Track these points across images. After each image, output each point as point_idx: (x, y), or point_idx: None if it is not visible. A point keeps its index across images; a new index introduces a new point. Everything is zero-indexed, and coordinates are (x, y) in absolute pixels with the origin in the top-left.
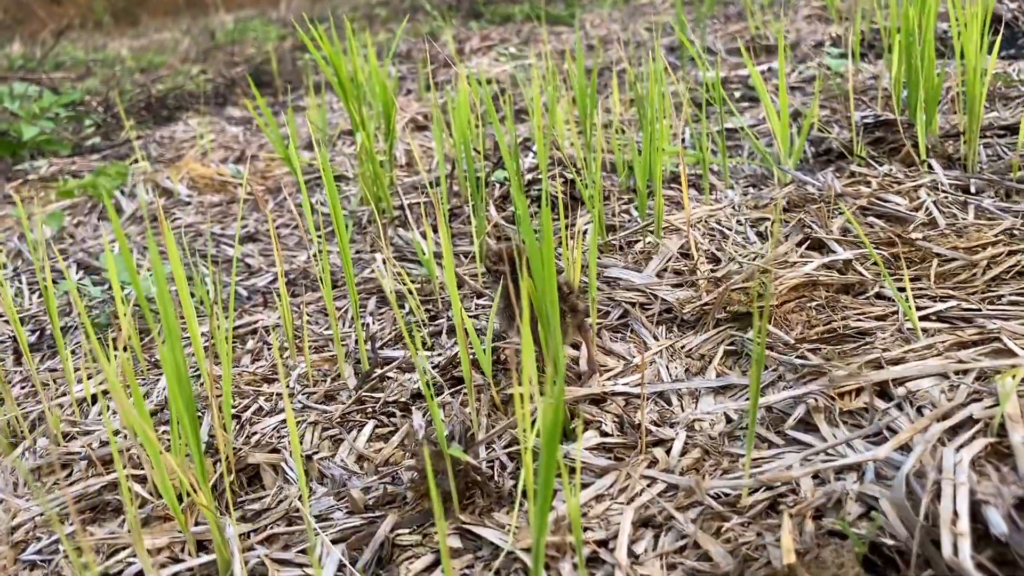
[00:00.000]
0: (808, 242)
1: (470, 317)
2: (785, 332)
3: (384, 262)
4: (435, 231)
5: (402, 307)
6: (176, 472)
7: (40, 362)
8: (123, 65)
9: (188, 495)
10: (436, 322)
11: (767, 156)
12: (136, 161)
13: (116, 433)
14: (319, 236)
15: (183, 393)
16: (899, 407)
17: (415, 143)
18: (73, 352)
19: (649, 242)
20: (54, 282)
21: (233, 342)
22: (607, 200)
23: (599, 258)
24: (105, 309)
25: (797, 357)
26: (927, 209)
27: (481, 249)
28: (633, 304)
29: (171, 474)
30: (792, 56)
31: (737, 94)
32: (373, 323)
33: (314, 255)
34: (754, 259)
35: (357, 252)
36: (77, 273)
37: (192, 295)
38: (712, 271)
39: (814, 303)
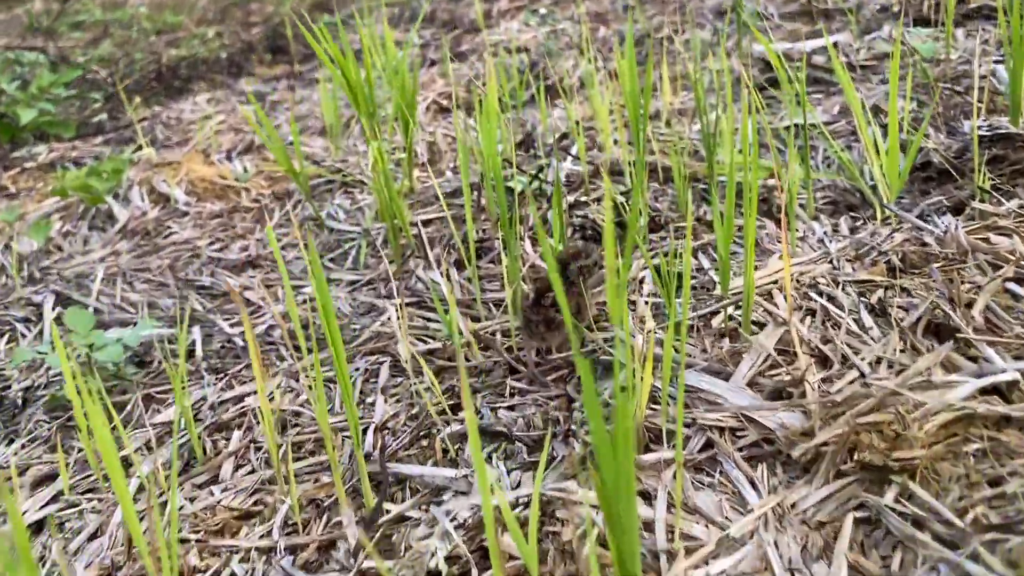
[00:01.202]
0: (939, 331)
1: (500, 410)
2: (938, 495)
3: (399, 313)
4: (459, 268)
5: (421, 374)
6: None
7: None
8: (139, 26)
9: None
10: (461, 411)
11: (856, 175)
12: (140, 148)
13: None
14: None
15: None
16: None
17: (439, 133)
18: (30, 436)
19: (731, 326)
20: (27, 322)
21: (213, 436)
22: (662, 230)
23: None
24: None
25: (962, 554)
26: None
27: (515, 298)
28: (721, 430)
29: None
30: (856, 23)
31: (802, 75)
32: (385, 403)
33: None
34: (878, 363)
35: (371, 285)
36: (53, 310)
37: (174, 361)
38: (824, 386)
39: (972, 446)
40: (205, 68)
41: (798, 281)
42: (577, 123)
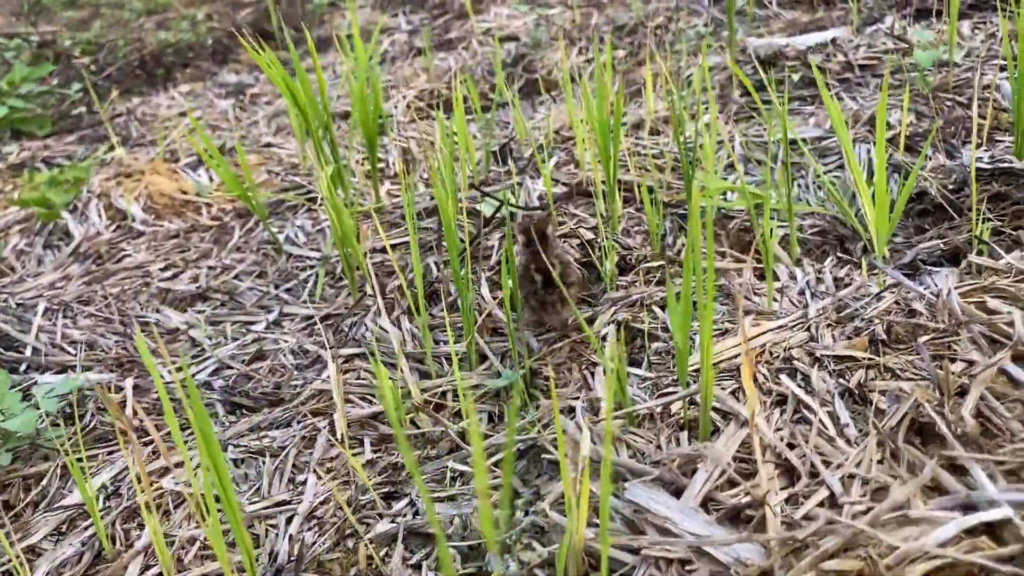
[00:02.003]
0: (924, 433)
1: (438, 503)
2: None
3: (338, 372)
4: (413, 314)
5: (361, 443)
6: None
7: None
8: (131, 7)
9: None
10: (396, 501)
11: (845, 207)
12: (112, 148)
13: None
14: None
15: None
16: None
17: (417, 138)
18: None
19: (692, 414)
20: None
21: (127, 523)
22: (632, 271)
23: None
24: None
25: None
26: None
27: (471, 348)
28: (669, 562)
29: None
30: (857, 12)
31: (796, 77)
32: (318, 482)
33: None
34: (851, 479)
35: (328, 321)
36: None
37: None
38: (789, 508)
39: None
40: (191, 55)
41: (771, 353)
42: (556, 132)
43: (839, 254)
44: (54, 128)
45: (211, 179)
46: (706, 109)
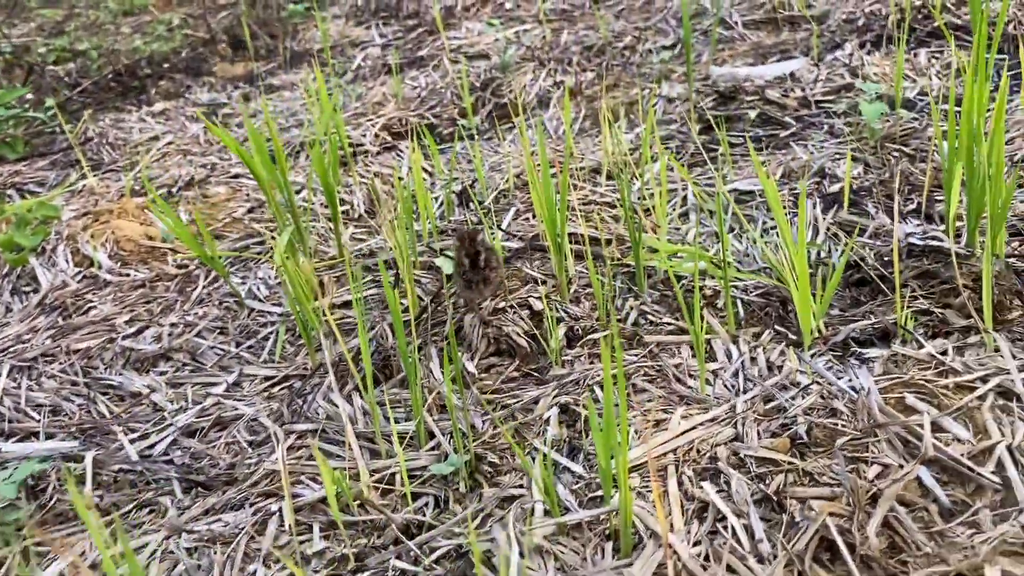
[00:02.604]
0: (833, 552)
1: None
2: None
3: (295, 439)
4: (366, 387)
5: (310, 529)
6: None
7: None
8: (107, 7)
9: None
10: None
11: (787, 280)
12: (84, 176)
13: None
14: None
15: None
16: None
17: (377, 183)
18: None
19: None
20: None
21: None
22: (579, 343)
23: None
24: None
25: None
26: (999, 462)
27: (420, 427)
28: None
29: None
30: (820, 35)
31: (753, 114)
32: (267, 573)
33: None
34: None
35: (287, 383)
36: None
37: None
38: None
39: None
40: (166, 66)
41: (698, 451)
42: (518, 176)
43: (776, 327)
44: (27, 150)
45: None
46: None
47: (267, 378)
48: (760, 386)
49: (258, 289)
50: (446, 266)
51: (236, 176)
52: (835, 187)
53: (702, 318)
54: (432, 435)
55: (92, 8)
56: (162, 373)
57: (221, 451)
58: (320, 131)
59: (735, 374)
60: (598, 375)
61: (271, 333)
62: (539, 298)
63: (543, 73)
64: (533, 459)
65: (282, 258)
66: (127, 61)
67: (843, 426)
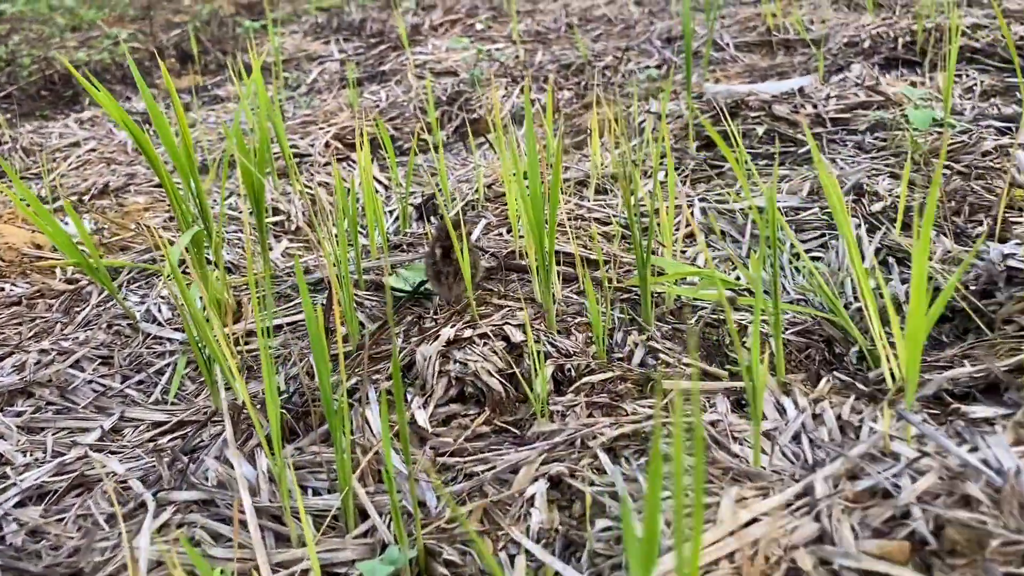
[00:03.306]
0: None
1: None
2: None
3: (175, 512)
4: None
5: None
6: None
7: None
8: (54, 22)
9: None
10: None
11: (839, 308)
12: None
13: None
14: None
15: None
16: None
17: (322, 193)
18: None
19: None
20: None
21: None
22: (570, 388)
23: None
24: None
25: None
26: None
27: (348, 503)
28: None
29: None
30: (824, 57)
31: (760, 130)
32: None
33: None
34: None
35: (182, 430)
36: None
37: None
38: None
39: None
40: (107, 76)
41: (766, 558)
42: (489, 187)
43: (835, 373)
44: None
45: (95, 223)
46: (662, 164)
47: (156, 424)
48: (840, 457)
49: (159, 310)
50: (399, 284)
51: (158, 185)
52: (877, 206)
53: (739, 360)
54: (364, 515)
55: (41, 23)
56: (18, 414)
57: (69, 528)
58: (236, 126)
59: (795, 438)
60: (602, 433)
61: (169, 365)
62: (519, 326)
63: (515, 90)
64: (511, 559)
65: (174, 268)
66: (62, 70)
67: (985, 522)
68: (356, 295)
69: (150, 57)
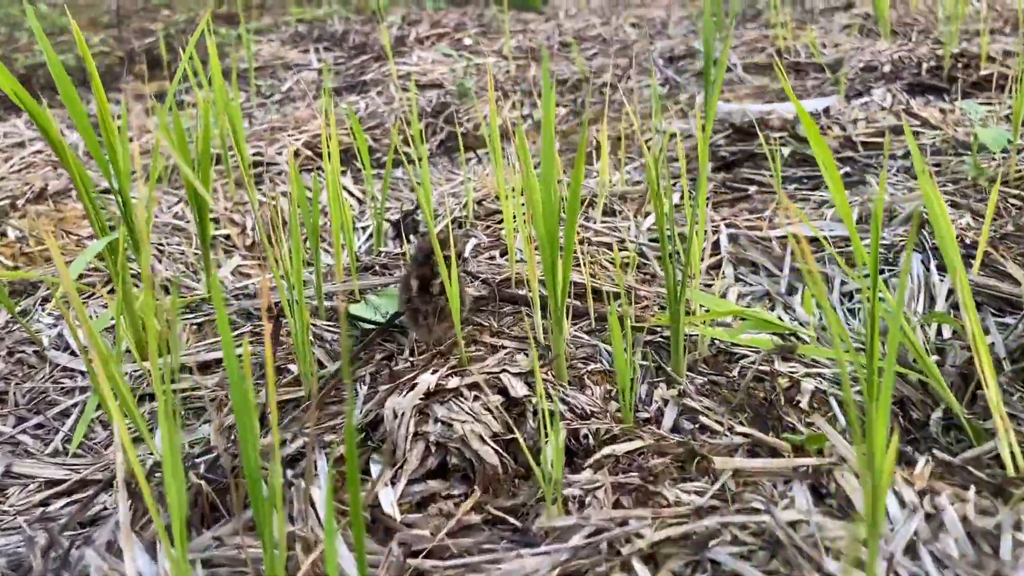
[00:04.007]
0: None
1: None
2: None
3: None
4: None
5: None
6: None
7: None
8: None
9: None
10: None
11: (932, 370)
12: None
13: None
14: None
15: None
16: None
17: (284, 203)
18: None
19: None
20: None
21: None
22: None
23: None
24: None
25: None
26: None
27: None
28: None
29: None
30: (837, 82)
31: (786, 151)
32: None
33: None
34: None
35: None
36: None
37: None
38: None
39: None
40: (72, 79)
41: None
42: (479, 203)
43: (933, 450)
44: None
45: (21, 232)
46: (675, 186)
47: (50, 483)
48: None
49: (70, 336)
50: (367, 314)
51: (106, 191)
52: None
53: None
54: None
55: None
56: None
57: None
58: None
59: (910, 550)
60: (639, 535)
61: (76, 406)
62: (520, 375)
63: (507, 105)
64: None
65: (71, 284)
66: (20, 73)
67: None
68: (314, 325)
69: (119, 62)
